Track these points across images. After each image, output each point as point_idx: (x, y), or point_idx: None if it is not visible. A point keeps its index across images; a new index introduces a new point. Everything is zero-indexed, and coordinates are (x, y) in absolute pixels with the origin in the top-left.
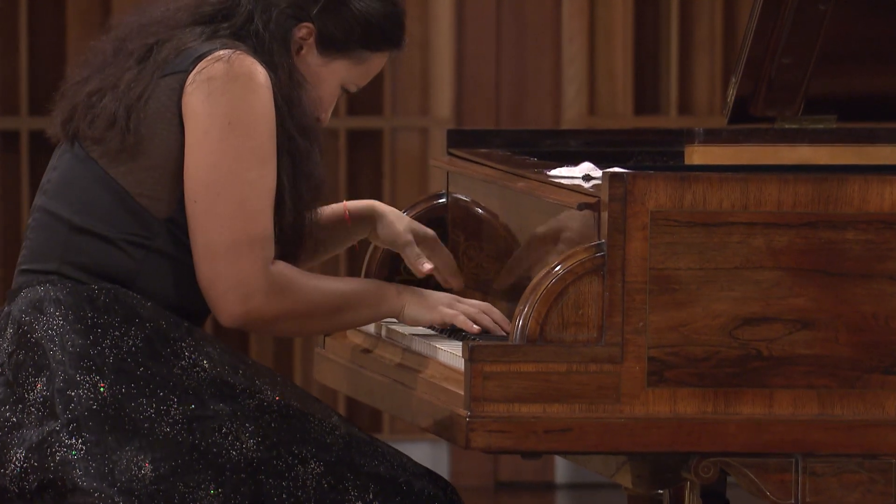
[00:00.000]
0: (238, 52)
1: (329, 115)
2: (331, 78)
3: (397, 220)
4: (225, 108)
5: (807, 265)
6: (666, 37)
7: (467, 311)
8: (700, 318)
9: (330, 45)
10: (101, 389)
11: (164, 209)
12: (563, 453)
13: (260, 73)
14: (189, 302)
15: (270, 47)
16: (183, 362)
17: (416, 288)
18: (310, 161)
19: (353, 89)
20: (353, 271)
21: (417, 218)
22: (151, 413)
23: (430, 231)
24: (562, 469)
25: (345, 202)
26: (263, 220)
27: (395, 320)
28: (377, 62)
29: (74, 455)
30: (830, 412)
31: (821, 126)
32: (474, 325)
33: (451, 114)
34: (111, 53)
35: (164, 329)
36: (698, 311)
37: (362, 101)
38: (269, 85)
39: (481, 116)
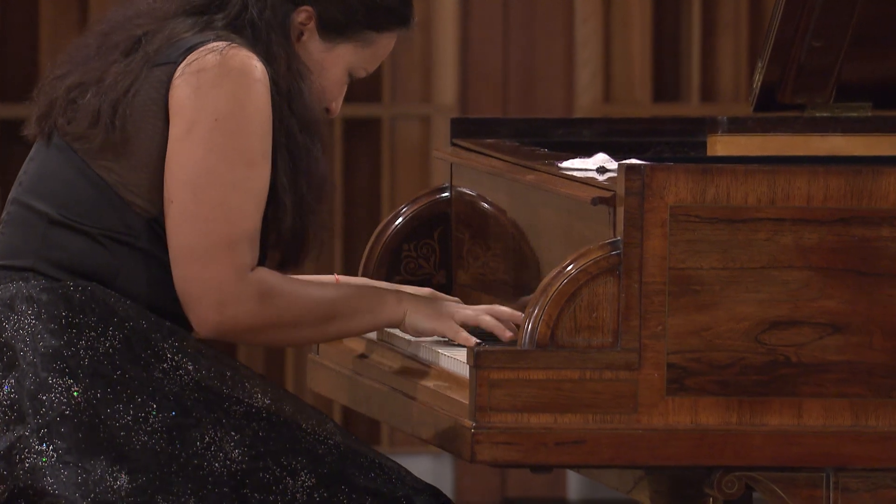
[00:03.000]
0: (233, 44)
1: (339, 104)
2: (336, 64)
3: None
4: (213, 104)
5: (839, 265)
6: (687, 18)
7: (466, 317)
8: (724, 322)
9: (332, 29)
10: (75, 394)
11: (149, 208)
12: (576, 467)
13: (256, 67)
14: (172, 305)
15: (268, 37)
16: (164, 365)
17: (418, 294)
18: (310, 158)
19: (361, 74)
20: (350, 271)
21: (419, 214)
22: (128, 420)
23: (424, 290)
24: (574, 484)
25: (336, 275)
26: (244, 224)
27: None
28: (385, 43)
29: (45, 462)
30: (864, 423)
31: (854, 114)
32: (473, 339)
33: (455, 101)
34: (94, 48)
35: (144, 329)
36: (722, 315)
37: (359, 87)
38: (265, 81)
39: (488, 104)
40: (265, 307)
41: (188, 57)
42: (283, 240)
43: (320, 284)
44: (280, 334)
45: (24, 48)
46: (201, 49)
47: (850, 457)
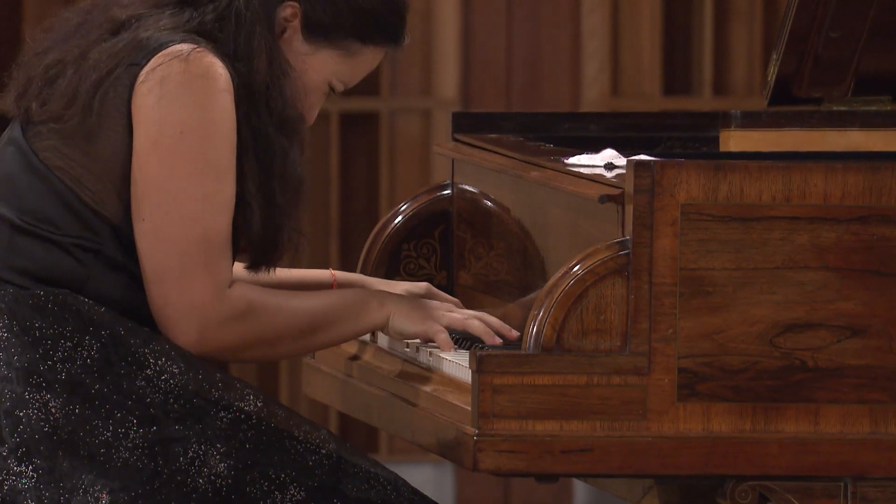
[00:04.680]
0: (198, 48)
1: (314, 115)
2: (316, 70)
3: (389, 289)
4: (178, 116)
5: (857, 265)
6: (699, 7)
7: (454, 320)
8: (737, 325)
9: (316, 31)
10: (53, 410)
11: (111, 216)
12: (583, 476)
13: (221, 75)
14: (144, 312)
15: (251, 29)
16: (148, 371)
17: (402, 295)
18: (286, 160)
19: (339, 88)
20: (347, 270)
21: (419, 212)
22: (108, 436)
23: (421, 284)
24: (581, 494)
25: (332, 271)
26: (219, 239)
27: None
28: (370, 58)
29: (24, 484)
30: (884, 430)
31: (873, 108)
32: (453, 345)
33: (456, 94)
34: (76, 24)
35: (122, 336)
36: (735, 317)
37: None
38: (229, 88)
39: (490, 97)
40: (247, 325)
41: (151, 61)
42: (254, 245)
43: (301, 295)
44: (262, 351)
45: (6, 30)
46: (165, 53)
47: (869, 465)
